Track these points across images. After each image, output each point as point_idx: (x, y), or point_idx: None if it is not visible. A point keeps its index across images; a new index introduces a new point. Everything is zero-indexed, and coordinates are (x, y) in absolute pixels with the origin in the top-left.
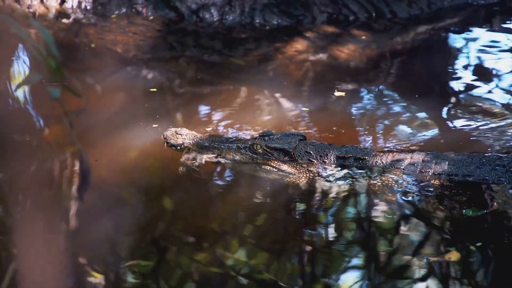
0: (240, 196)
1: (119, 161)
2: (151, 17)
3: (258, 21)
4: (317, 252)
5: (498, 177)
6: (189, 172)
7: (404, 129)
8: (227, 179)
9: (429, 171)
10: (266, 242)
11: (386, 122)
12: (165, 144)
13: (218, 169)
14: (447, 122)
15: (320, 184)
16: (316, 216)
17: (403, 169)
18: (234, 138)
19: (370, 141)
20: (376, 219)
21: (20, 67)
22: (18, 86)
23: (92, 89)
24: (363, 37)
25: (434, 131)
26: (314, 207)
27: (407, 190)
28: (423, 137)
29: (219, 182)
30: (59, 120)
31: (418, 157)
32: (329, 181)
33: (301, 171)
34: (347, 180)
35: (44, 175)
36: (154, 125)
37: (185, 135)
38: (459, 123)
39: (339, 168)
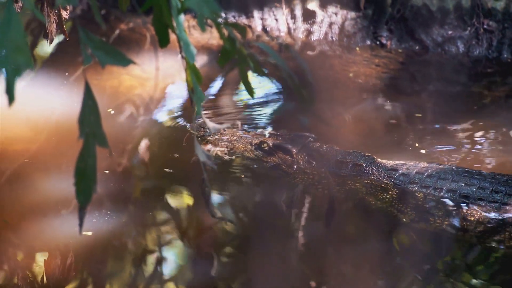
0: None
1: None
2: (396, 50)
3: (505, 56)
4: None
5: None
6: (201, 163)
7: None
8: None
9: (416, 184)
10: (500, 279)
11: None
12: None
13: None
14: None
15: None
16: None
17: (395, 178)
18: (250, 135)
19: None
20: None
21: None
22: (273, 113)
23: (339, 118)
24: None
25: None
26: None
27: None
28: None
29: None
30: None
31: (414, 168)
32: (322, 185)
33: (298, 172)
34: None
35: (284, 200)
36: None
37: (207, 129)
38: None
39: (335, 173)
